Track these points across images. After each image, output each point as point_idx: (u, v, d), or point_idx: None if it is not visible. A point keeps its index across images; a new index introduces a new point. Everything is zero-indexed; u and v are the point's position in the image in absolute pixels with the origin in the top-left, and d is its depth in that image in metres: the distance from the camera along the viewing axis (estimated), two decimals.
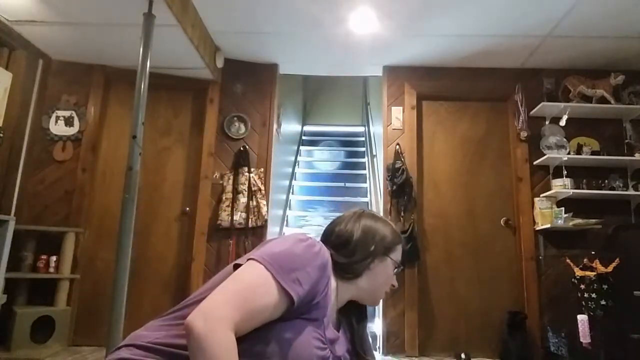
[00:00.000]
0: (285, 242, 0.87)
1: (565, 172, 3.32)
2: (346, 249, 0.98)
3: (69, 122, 3.38)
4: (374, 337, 3.46)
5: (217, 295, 0.74)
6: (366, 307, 1.09)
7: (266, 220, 3.40)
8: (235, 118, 3.60)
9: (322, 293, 0.86)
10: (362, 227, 1.01)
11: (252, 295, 0.76)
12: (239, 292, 0.75)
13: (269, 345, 0.78)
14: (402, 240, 1.07)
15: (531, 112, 3.50)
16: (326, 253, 0.90)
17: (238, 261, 0.84)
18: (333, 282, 0.94)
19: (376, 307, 3.87)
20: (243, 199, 3.38)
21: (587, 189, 3.28)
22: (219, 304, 0.72)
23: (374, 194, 4.72)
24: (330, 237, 1.02)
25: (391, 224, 1.07)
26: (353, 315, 1.06)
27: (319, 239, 0.99)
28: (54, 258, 3.05)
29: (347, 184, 5.88)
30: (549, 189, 3.38)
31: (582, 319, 2.86)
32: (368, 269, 0.99)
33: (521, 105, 3.51)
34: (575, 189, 3.25)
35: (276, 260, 0.81)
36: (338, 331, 0.98)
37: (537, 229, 3.35)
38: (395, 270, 1.05)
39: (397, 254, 1.04)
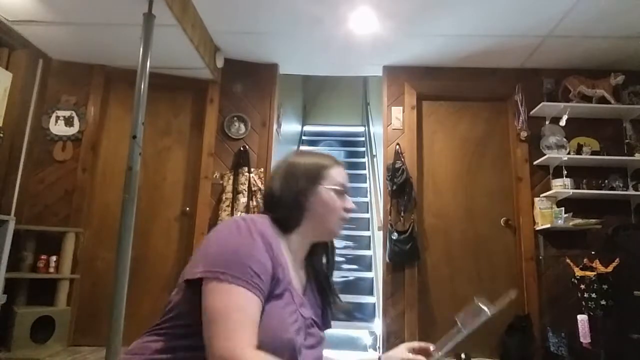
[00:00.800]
0: (221, 239, 0.83)
1: (565, 172, 3.32)
2: (275, 204, 0.95)
3: (69, 122, 3.38)
4: (374, 337, 3.46)
5: (220, 340, 0.71)
6: (330, 242, 1.08)
7: None
8: (235, 118, 3.60)
9: (278, 267, 0.84)
10: (283, 171, 0.98)
11: (242, 315, 0.74)
12: (233, 322, 0.73)
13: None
14: (333, 161, 1.01)
15: (531, 112, 3.50)
16: (262, 225, 0.87)
17: (188, 276, 0.81)
18: (283, 242, 0.92)
19: (376, 307, 3.87)
20: (243, 199, 3.38)
21: (587, 189, 3.28)
22: (229, 346, 0.71)
23: (374, 194, 4.72)
24: (264, 201, 1.01)
25: (320, 153, 1.03)
26: (319, 254, 1.06)
27: None
28: (54, 258, 3.05)
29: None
30: (549, 189, 3.38)
31: (582, 319, 2.86)
32: (305, 209, 0.95)
33: (521, 105, 3.51)
34: (575, 189, 3.25)
35: (226, 266, 0.77)
36: (304, 293, 0.97)
37: (537, 229, 3.35)
38: (338, 191, 0.98)
39: (330, 179, 0.97)
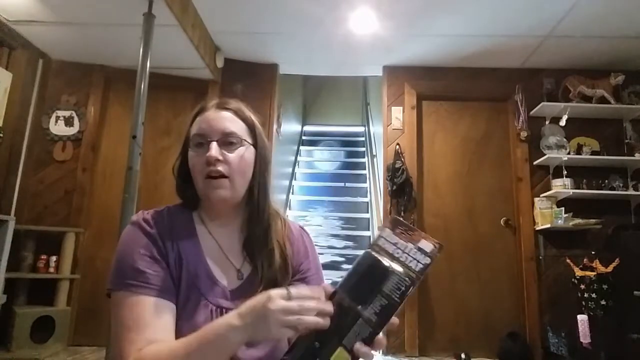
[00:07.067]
0: (116, 249, 0.83)
1: (565, 172, 3.32)
2: (177, 181, 0.93)
3: (69, 122, 3.38)
4: None
5: (116, 353, 0.74)
6: (254, 207, 0.90)
7: None
8: None
9: (172, 254, 0.81)
10: None
11: (124, 326, 0.74)
12: (119, 335, 0.74)
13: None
14: (197, 110, 0.91)
15: (531, 112, 3.50)
16: (148, 219, 0.84)
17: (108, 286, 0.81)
18: (201, 228, 0.88)
19: None
20: None
21: (587, 189, 3.28)
22: (115, 350, 0.74)
23: (374, 194, 4.72)
24: None
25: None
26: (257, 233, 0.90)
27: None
28: (54, 258, 3.05)
29: (347, 184, 5.88)
30: (549, 189, 3.37)
31: (582, 319, 2.86)
32: (191, 182, 0.88)
33: (521, 105, 3.51)
34: (575, 189, 3.25)
35: (116, 275, 0.78)
36: (241, 278, 0.87)
37: (537, 229, 3.35)
38: (197, 145, 0.87)
39: (191, 135, 0.89)
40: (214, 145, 0.84)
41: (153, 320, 0.75)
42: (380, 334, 0.62)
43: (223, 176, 0.83)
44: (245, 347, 0.77)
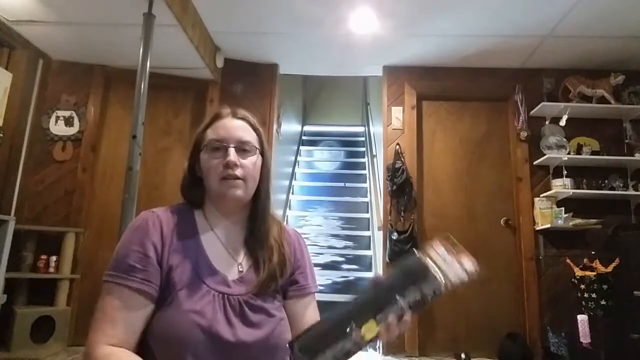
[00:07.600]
0: (122, 237, 0.90)
1: (565, 172, 3.32)
2: (181, 186, 1.02)
3: (69, 122, 3.38)
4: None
5: (88, 335, 0.81)
6: (256, 210, 0.99)
7: None
8: None
9: (166, 249, 0.88)
10: None
11: (101, 314, 0.81)
12: (95, 321, 0.81)
13: (155, 338, 0.82)
14: (212, 118, 1.00)
15: (531, 112, 3.50)
16: (150, 216, 0.91)
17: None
18: (205, 223, 0.96)
19: None
20: None
21: (587, 189, 3.28)
22: (88, 341, 0.79)
23: (374, 194, 4.72)
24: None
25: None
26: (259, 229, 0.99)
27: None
28: (54, 258, 3.05)
29: (347, 184, 5.88)
30: (549, 189, 3.38)
31: (582, 319, 2.86)
32: (200, 181, 0.97)
33: (521, 105, 3.51)
34: (575, 189, 3.25)
35: (110, 267, 0.85)
36: (243, 269, 0.94)
37: (537, 229, 3.35)
38: (213, 149, 0.94)
39: (206, 139, 0.96)
40: (232, 151, 0.93)
41: (126, 316, 0.81)
42: (407, 316, 0.76)
43: (238, 178, 0.93)
44: (246, 327, 0.86)
